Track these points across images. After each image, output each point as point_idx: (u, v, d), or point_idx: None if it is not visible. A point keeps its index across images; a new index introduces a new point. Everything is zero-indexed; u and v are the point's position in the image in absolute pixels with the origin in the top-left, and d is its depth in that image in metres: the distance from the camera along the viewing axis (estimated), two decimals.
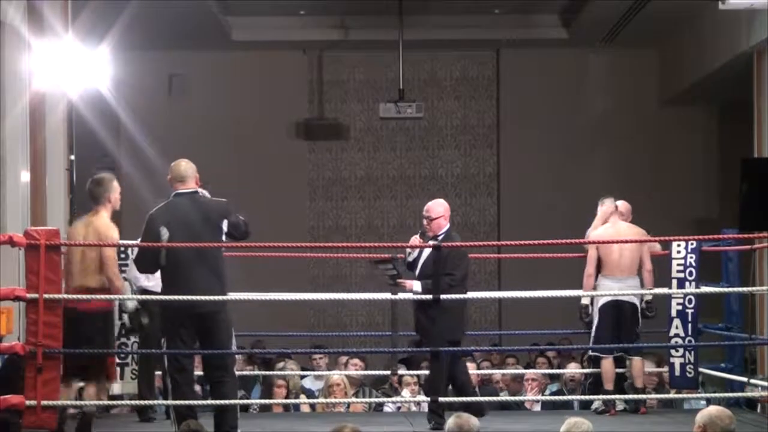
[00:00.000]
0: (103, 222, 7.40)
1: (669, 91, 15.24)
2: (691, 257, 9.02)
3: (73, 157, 10.54)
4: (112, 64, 10.62)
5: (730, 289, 9.17)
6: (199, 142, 14.50)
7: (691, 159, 15.49)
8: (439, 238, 8.00)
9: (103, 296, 7.26)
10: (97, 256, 7.30)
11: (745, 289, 8.91)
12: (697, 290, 8.88)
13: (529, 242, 7.99)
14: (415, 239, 8.10)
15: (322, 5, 13.80)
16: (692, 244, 9.02)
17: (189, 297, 7.04)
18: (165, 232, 7.14)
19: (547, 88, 15.42)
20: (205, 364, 7.35)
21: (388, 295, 8.06)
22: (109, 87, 10.95)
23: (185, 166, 7.37)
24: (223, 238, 7.22)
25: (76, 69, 9.99)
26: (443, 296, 7.67)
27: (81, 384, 7.54)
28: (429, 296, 7.75)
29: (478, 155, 15.80)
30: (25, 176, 9.92)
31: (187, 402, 7.19)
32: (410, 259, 8.08)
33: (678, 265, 8.97)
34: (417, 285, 7.92)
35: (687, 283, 8.96)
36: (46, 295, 6.98)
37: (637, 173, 14.67)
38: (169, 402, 7.26)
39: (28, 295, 7.01)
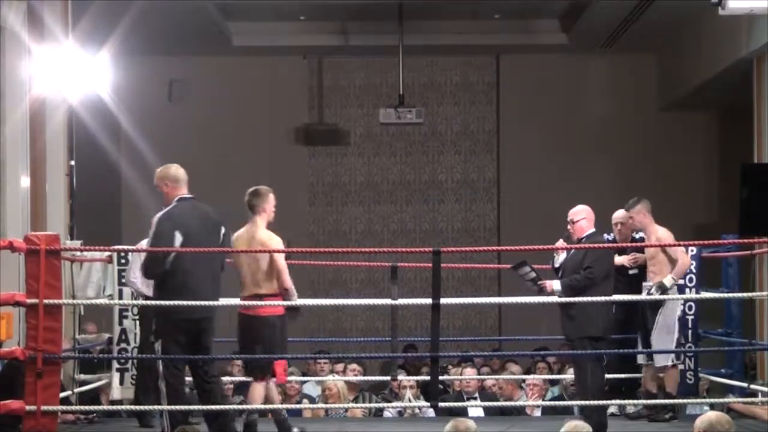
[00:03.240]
0: (264, 233, 7.54)
1: (669, 97, 15.25)
2: (692, 263, 8.99)
3: (73, 163, 10.55)
4: (113, 69, 10.63)
5: (730, 295, 9.16)
6: (199, 147, 14.51)
7: (691, 164, 15.49)
8: (583, 239, 8.02)
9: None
10: (268, 266, 7.44)
11: (745, 294, 8.91)
12: (697, 296, 8.86)
13: (529, 247, 7.98)
14: (560, 243, 8.11)
15: (323, 10, 13.81)
16: (692, 250, 8.99)
17: (201, 303, 7.12)
18: (179, 237, 7.13)
19: (547, 93, 15.43)
20: (197, 370, 7.31)
21: (387, 301, 8.03)
22: (110, 92, 10.96)
23: (178, 172, 7.39)
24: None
25: (77, 74, 10.00)
26: (578, 293, 7.73)
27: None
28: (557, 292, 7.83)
29: (478, 161, 15.81)
30: (25, 181, 9.93)
31: (185, 407, 7.20)
32: (557, 264, 8.07)
33: None
34: (557, 284, 7.90)
35: (687, 290, 8.93)
36: (46, 301, 6.97)
37: (637, 178, 14.66)
38: (168, 407, 7.24)
39: (28, 301, 7.01)
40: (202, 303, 7.11)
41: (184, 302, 7.06)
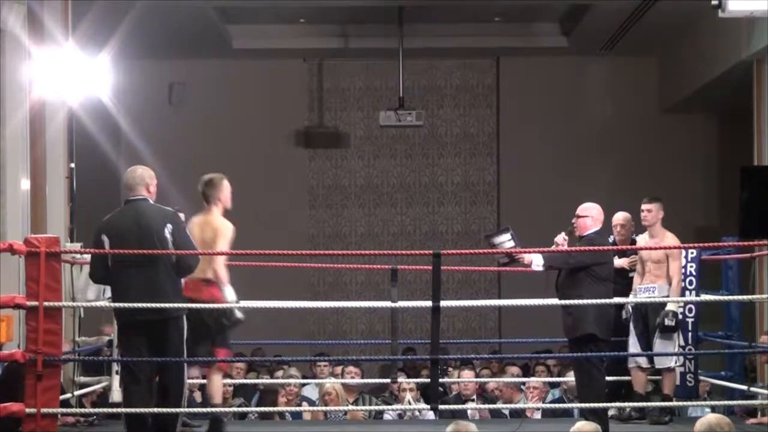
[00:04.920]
0: (217, 219, 7.52)
1: (669, 99, 15.25)
2: (692, 266, 8.99)
3: (73, 165, 10.54)
4: (113, 72, 10.62)
5: (730, 297, 9.15)
6: (199, 150, 14.51)
7: (691, 167, 15.50)
8: (583, 238, 7.93)
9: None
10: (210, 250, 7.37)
11: (745, 297, 8.90)
12: (697, 298, 8.85)
13: (529, 250, 7.96)
14: (560, 237, 8.02)
15: (323, 13, 13.81)
16: (692, 252, 8.98)
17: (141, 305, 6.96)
18: (106, 240, 7.06)
19: (547, 96, 15.43)
20: (159, 375, 7.19)
21: (388, 303, 8.03)
22: (110, 95, 10.95)
23: (131, 174, 7.19)
24: (170, 245, 7.03)
25: (77, 77, 9.99)
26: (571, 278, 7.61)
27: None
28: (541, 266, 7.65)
29: (478, 163, 15.81)
30: (26, 184, 9.93)
31: (182, 411, 7.18)
32: None
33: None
34: (537, 257, 7.69)
35: (687, 292, 8.93)
36: (46, 303, 6.96)
37: (638, 181, 14.66)
38: (124, 410, 7.18)
39: (28, 303, 7.00)
40: (153, 305, 6.96)
41: (125, 304, 6.97)
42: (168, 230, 7.04)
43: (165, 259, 7.02)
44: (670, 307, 8.30)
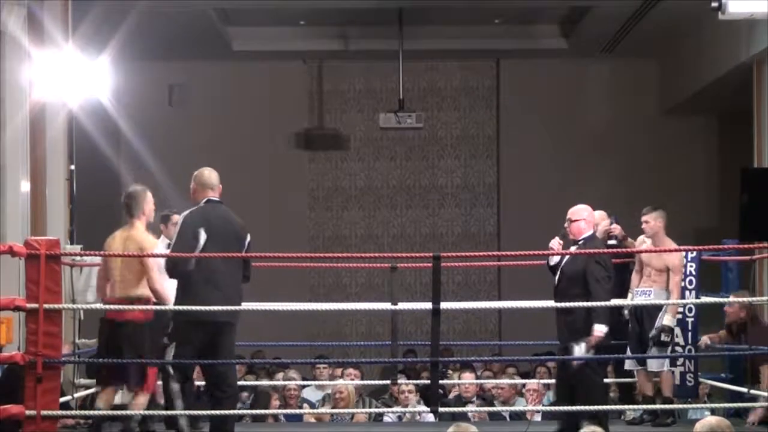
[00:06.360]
0: (140, 234, 7.42)
1: (669, 101, 15.25)
2: (691, 266, 9.00)
3: (73, 167, 10.55)
4: (113, 74, 10.63)
5: (731, 299, 9.15)
6: (199, 152, 14.48)
7: (692, 169, 15.49)
8: (580, 242, 7.90)
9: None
10: (139, 267, 7.31)
11: (745, 299, 8.90)
12: (697, 300, 8.86)
13: (529, 252, 7.97)
14: (555, 242, 8.01)
15: (323, 15, 13.81)
16: (692, 253, 8.99)
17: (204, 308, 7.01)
18: (203, 234, 7.10)
19: (547, 98, 15.43)
20: (209, 376, 7.28)
21: (388, 305, 8.02)
22: (110, 97, 10.96)
23: (210, 174, 7.34)
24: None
25: (77, 79, 10.00)
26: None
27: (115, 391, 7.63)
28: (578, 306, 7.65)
29: (478, 165, 15.81)
30: (26, 186, 9.94)
31: (194, 412, 7.18)
32: (552, 263, 7.92)
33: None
34: (599, 326, 7.62)
35: (687, 292, 8.93)
36: (45, 305, 6.96)
37: (638, 183, 14.67)
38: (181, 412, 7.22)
39: (28, 305, 7.00)
40: (207, 308, 7.01)
41: (193, 306, 7.00)
42: (248, 239, 7.24)
43: (242, 265, 7.19)
44: (666, 321, 8.32)
